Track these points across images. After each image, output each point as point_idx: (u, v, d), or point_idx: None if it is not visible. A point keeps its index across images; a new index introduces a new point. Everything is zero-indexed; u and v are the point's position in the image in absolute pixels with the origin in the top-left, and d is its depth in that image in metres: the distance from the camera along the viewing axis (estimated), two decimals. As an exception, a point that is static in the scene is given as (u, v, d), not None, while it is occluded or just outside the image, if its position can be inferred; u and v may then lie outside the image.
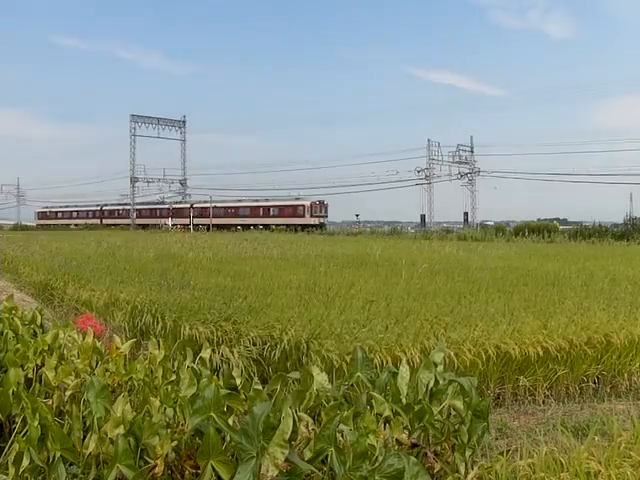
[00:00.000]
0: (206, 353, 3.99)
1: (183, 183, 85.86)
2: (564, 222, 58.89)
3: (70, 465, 2.80)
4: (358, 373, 3.44)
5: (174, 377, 3.46)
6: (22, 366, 3.83)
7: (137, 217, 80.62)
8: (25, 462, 2.73)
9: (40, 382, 3.73)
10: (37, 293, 12.34)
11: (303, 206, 64.60)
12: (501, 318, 6.98)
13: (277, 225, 62.77)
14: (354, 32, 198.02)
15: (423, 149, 64.98)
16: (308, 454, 2.62)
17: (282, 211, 66.48)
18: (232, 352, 5.95)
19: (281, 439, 2.40)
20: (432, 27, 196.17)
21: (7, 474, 2.81)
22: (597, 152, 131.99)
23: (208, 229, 66.26)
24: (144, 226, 74.25)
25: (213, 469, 2.45)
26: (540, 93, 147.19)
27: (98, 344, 4.14)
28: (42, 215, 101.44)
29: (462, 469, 3.00)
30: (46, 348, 4.08)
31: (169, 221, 71.98)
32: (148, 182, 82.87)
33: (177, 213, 75.13)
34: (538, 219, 54.78)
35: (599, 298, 8.61)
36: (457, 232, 48.29)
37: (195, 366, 3.50)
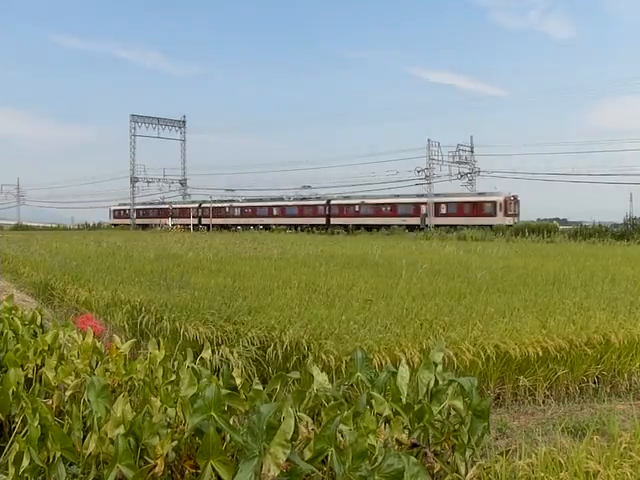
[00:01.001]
0: (207, 353, 3.99)
1: (183, 183, 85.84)
2: (564, 222, 58.73)
3: (70, 465, 2.80)
4: (358, 373, 3.44)
5: (174, 377, 3.46)
6: (22, 366, 3.83)
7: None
8: (25, 462, 2.73)
9: (40, 382, 3.73)
10: (37, 293, 12.33)
11: (494, 202, 51.22)
12: (501, 318, 6.99)
13: (451, 225, 49.59)
14: (355, 33, 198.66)
15: (423, 149, 64.57)
16: (308, 454, 2.62)
17: (461, 209, 53.44)
18: (232, 352, 5.95)
19: (283, 439, 2.40)
20: (433, 27, 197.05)
21: (7, 474, 2.81)
22: (597, 152, 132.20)
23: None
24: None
25: (213, 469, 2.45)
26: (540, 93, 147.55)
27: (98, 344, 4.14)
28: (118, 213, 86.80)
29: (462, 469, 3.00)
30: (46, 348, 4.08)
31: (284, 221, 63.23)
32: (148, 182, 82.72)
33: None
34: (538, 219, 54.62)
35: (599, 298, 8.61)
36: (457, 232, 48.20)
37: (195, 366, 3.50)
